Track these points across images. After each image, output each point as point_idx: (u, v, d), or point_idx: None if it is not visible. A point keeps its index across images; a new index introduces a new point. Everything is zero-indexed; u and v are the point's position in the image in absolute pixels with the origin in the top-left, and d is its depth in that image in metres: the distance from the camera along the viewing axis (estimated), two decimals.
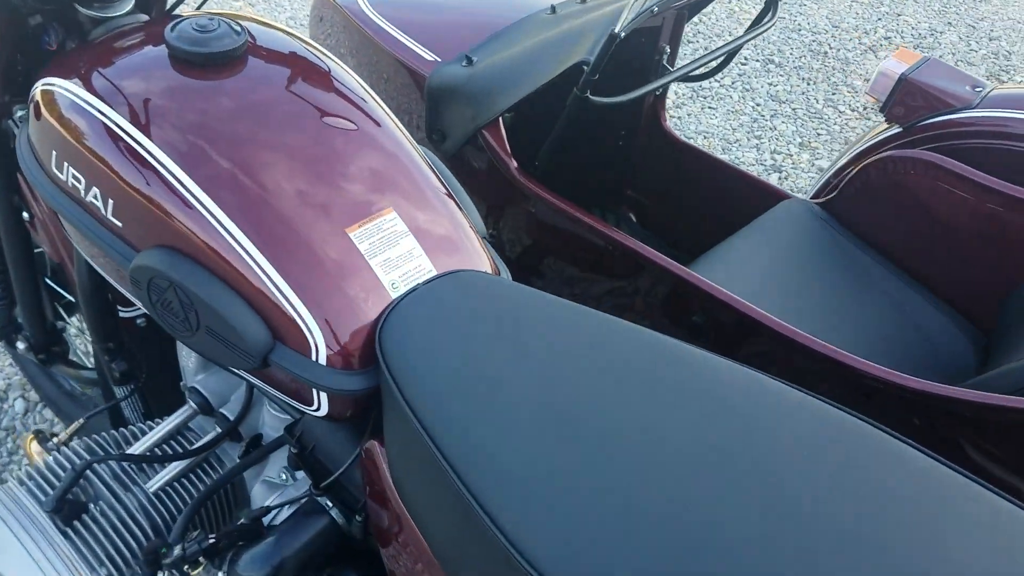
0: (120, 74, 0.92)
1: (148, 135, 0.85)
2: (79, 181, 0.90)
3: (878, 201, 1.64)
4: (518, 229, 1.63)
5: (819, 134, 3.05)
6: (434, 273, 0.84)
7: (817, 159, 2.94)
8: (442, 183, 0.94)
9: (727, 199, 1.89)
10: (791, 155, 2.95)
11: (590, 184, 2.05)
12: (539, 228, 1.58)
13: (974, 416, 1.15)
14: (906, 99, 1.66)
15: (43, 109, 0.94)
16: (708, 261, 1.59)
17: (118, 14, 1.06)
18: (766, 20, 1.63)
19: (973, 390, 1.16)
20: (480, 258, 0.90)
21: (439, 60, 1.58)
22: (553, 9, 1.62)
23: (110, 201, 0.87)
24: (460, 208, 0.93)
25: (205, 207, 0.81)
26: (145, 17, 1.08)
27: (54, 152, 0.92)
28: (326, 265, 0.80)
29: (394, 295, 0.81)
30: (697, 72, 1.60)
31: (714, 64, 1.68)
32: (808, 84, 3.29)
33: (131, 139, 0.85)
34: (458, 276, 0.84)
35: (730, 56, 1.66)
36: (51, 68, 0.97)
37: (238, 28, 0.93)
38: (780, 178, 2.86)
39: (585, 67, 1.39)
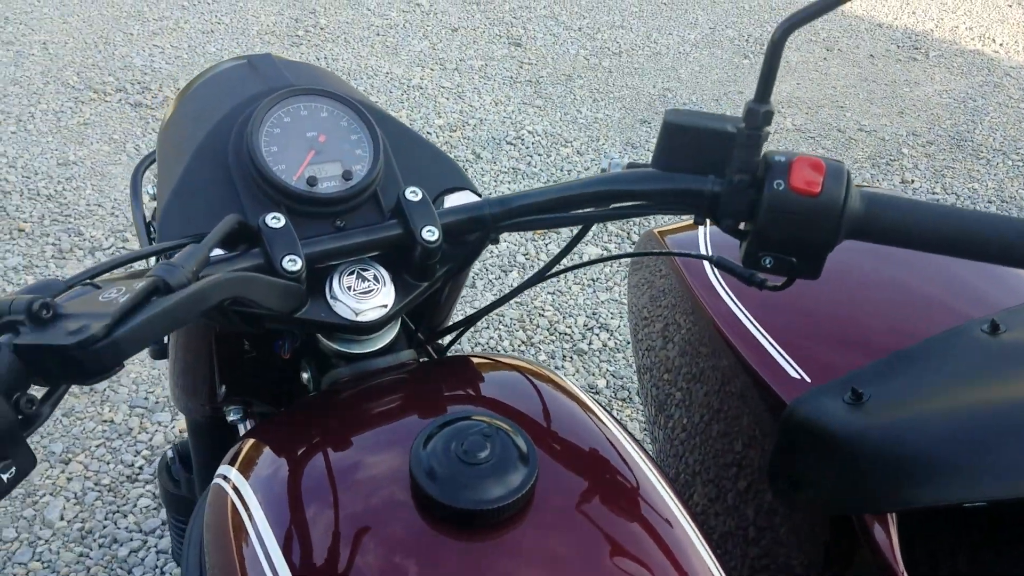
0: (313, 496, 0.69)
1: None
2: None
3: None
4: None
5: None
6: None
7: None
8: None
9: None
10: None
11: None
12: None
13: None
14: None
15: (207, 516, 0.76)
16: None
17: (368, 351, 0.86)
18: None
19: None
20: None
21: (808, 380, 1.09)
22: (995, 327, 1.05)
23: None
24: None
25: None
26: (409, 356, 0.88)
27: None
28: None
29: None
30: None
31: None
32: None
33: None
34: None
35: None
36: (244, 439, 0.81)
37: (525, 446, 0.67)
38: None
39: None
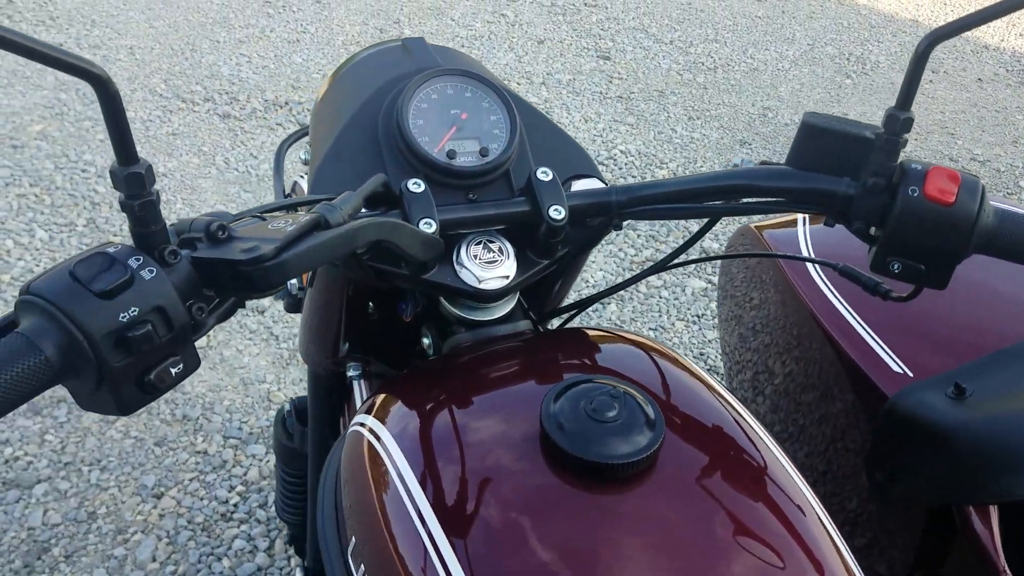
0: (448, 442, 0.72)
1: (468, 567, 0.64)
2: (358, 565, 0.73)
3: None
4: None
5: None
6: None
7: None
8: None
9: None
10: None
11: None
12: None
13: None
14: None
15: (346, 458, 0.80)
16: None
17: (489, 318, 0.90)
18: None
19: None
20: None
21: (910, 375, 1.11)
22: None
23: None
24: None
25: None
26: (527, 326, 0.91)
27: (349, 524, 0.76)
28: None
29: None
30: None
31: None
32: None
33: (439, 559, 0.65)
34: None
35: None
36: (378, 393, 0.84)
37: (652, 411, 0.70)
38: None
39: None
